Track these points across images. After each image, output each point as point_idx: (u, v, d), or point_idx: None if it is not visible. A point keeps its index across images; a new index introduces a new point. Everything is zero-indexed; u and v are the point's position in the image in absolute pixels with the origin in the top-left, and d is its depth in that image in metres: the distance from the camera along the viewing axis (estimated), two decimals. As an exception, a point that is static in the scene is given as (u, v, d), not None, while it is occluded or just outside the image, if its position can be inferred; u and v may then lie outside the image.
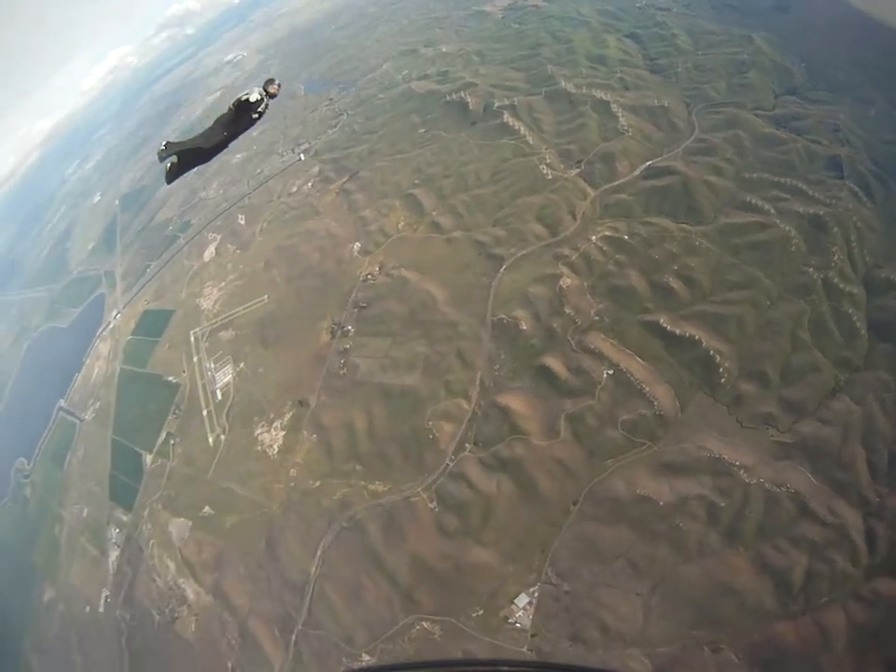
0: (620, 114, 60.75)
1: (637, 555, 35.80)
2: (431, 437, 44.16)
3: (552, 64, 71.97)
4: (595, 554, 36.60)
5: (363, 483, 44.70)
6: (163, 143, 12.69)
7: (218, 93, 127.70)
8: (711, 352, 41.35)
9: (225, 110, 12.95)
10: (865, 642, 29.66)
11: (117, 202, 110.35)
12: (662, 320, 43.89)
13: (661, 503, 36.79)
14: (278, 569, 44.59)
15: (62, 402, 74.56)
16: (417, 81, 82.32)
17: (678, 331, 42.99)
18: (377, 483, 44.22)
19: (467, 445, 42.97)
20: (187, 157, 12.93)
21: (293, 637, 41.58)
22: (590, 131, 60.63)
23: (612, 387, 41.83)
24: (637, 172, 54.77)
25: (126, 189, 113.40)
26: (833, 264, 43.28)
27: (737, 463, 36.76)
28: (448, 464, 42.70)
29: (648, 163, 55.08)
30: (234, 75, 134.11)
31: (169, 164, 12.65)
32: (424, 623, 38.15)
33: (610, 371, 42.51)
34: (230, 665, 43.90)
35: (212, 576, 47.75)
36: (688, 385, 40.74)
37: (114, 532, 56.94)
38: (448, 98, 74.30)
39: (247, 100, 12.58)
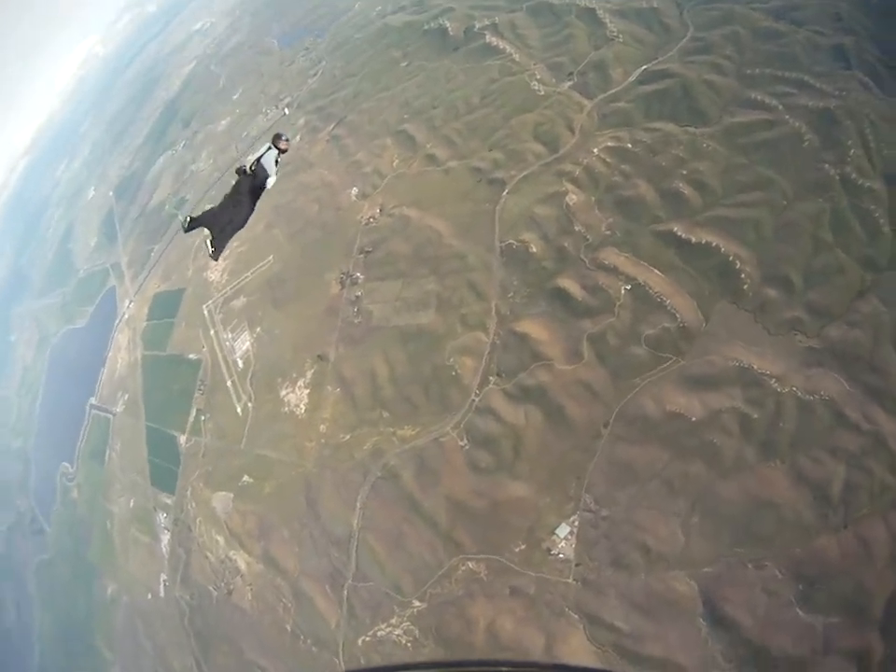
0: (607, 20, 60.11)
1: (672, 474, 37.11)
2: (454, 374, 46.29)
3: None
4: (630, 477, 38.08)
5: (391, 429, 47.53)
6: (186, 217, 13.65)
7: (193, 63, 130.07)
8: (731, 257, 41.67)
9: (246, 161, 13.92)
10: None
11: (110, 193, 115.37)
12: (676, 228, 44.31)
13: (692, 419, 37.83)
14: (321, 527, 48.45)
15: (92, 400, 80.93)
16: (392, 15, 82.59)
17: (693, 239, 43.42)
18: (406, 427, 46.94)
19: (490, 378, 44.84)
20: (221, 229, 13.75)
21: (345, 593, 45.51)
22: (578, 41, 60.31)
23: (631, 303, 42.80)
24: (632, 78, 54.52)
25: (117, 179, 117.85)
26: (848, 159, 42.23)
27: (767, 372, 37.25)
28: (474, 399, 44.79)
29: (643, 68, 54.61)
30: (205, 43, 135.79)
31: (209, 242, 13.44)
32: (469, 563, 40.89)
33: (628, 287, 43.37)
34: (288, 627, 48.41)
35: (259, 544, 52.12)
36: (709, 295, 41.26)
37: (161, 517, 62.66)
38: (426, 27, 74.65)
39: (250, 168, 13.69)
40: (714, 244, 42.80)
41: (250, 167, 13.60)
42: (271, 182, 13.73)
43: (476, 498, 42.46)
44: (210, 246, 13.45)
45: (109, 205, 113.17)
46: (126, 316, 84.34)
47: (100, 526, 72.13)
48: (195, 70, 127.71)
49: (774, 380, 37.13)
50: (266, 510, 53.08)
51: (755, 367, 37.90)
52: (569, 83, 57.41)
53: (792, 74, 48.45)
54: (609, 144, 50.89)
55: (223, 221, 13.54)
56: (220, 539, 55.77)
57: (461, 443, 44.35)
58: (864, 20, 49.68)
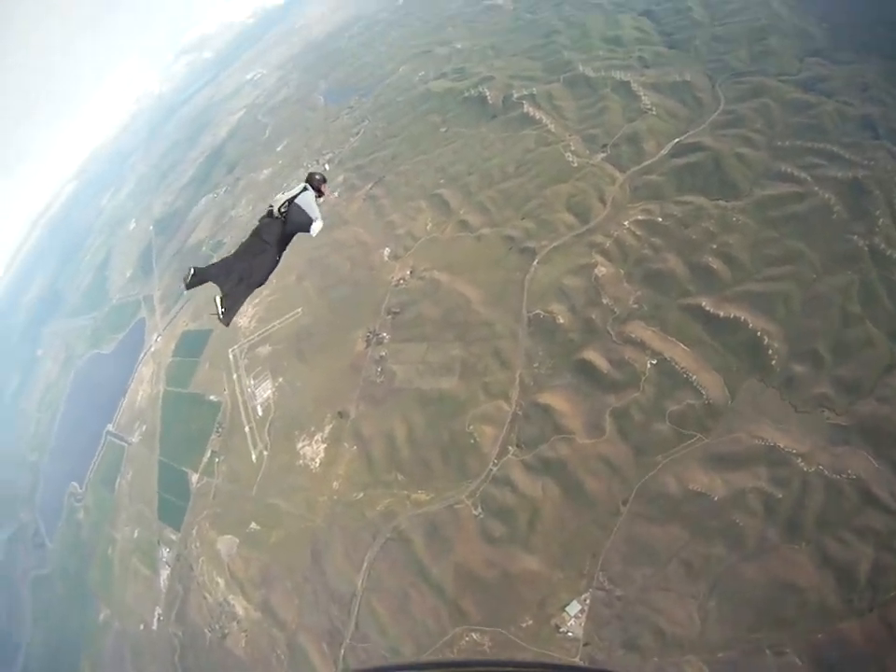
0: (641, 93, 62.27)
1: (691, 555, 36.49)
2: (472, 441, 46.32)
3: (567, 50, 74.37)
4: (647, 556, 37.47)
5: (405, 492, 47.31)
6: (189, 269, 10.34)
7: (242, 112, 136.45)
8: (758, 333, 41.77)
9: (280, 202, 11.44)
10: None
11: (151, 227, 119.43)
12: (704, 303, 44.61)
13: (715, 498, 37.36)
14: (324, 583, 47.84)
15: (109, 427, 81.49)
16: (434, 81, 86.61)
17: (721, 314, 43.59)
18: (420, 491, 46.74)
19: (509, 448, 44.84)
20: (235, 284, 10.78)
21: (342, 651, 44.49)
22: (612, 113, 62.31)
23: (657, 378, 42.80)
24: (664, 150, 55.98)
25: (159, 214, 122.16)
26: (877, 229, 43.00)
27: (794, 450, 36.96)
28: (491, 469, 44.65)
29: (675, 141, 56.18)
30: (255, 93, 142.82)
31: (219, 300, 10.29)
32: (473, 634, 40.02)
33: (654, 361, 43.49)
34: None
35: (259, 591, 51.60)
36: (736, 371, 41.22)
37: (164, 551, 62.19)
38: (466, 94, 77.83)
39: (279, 210, 11.35)
40: (742, 318, 43.06)
41: (279, 209, 11.33)
42: (317, 227, 11.33)
43: (487, 569, 41.90)
44: (220, 306, 10.37)
45: (149, 239, 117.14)
46: (152, 349, 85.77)
47: (101, 551, 71.83)
48: (244, 118, 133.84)
49: (800, 458, 36.87)
50: (271, 559, 52.64)
51: (781, 445, 37.69)
52: (603, 155, 59.13)
53: (821, 145, 49.80)
54: (640, 217, 51.97)
55: (238, 275, 10.74)
56: (221, 581, 55.24)
57: (475, 512, 44.04)
58: (892, 89, 51.34)
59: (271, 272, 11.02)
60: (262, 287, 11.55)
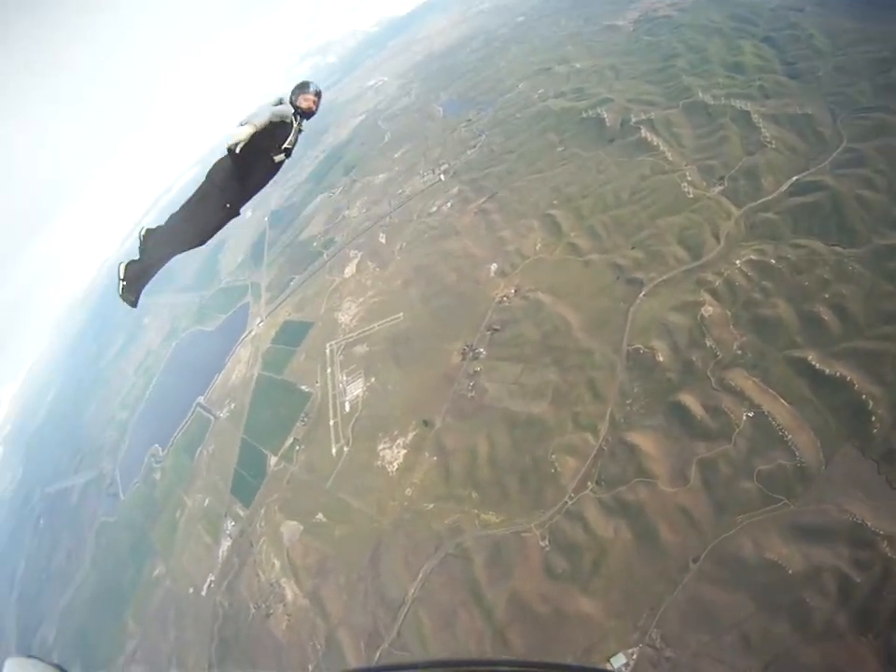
0: (761, 125, 62.26)
1: (752, 628, 35.53)
2: (553, 471, 47.46)
3: (687, 75, 75.78)
4: (707, 621, 36.80)
5: (476, 511, 49.00)
6: (142, 229, 8.88)
7: (363, 116, 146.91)
8: (864, 396, 40.17)
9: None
10: None
11: (266, 218, 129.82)
12: (811, 357, 43.45)
13: (790, 571, 36.26)
14: (377, 585, 50.27)
15: (201, 399, 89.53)
16: (553, 99, 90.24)
17: (827, 370, 42.28)
18: (491, 513, 48.29)
19: (588, 484, 45.56)
20: (151, 252, 8.76)
21: (377, 655, 46.50)
22: (731, 144, 62.59)
23: (751, 432, 42.10)
24: (783, 188, 55.45)
25: (275, 206, 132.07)
26: None
27: (882, 532, 35.23)
28: (566, 502, 45.55)
29: (794, 178, 55.62)
30: (376, 99, 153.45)
31: (122, 268, 8.54)
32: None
33: (751, 414, 42.79)
34: (310, 668, 50.27)
35: (312, 581, 54.85)
36: (835, 435, 39.83)
37: (229, 524, 67.44)
38: (584, 115, 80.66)
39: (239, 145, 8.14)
40: (848, 378, 41.63)
41: (236, 144, 8.16)
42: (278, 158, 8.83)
43: (541, 603, 42.68)
44: (121, 275, 8.54)
45: (263, 229, 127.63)
46: (253, 334, 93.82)
47: (170, 512, 78.80)
48: (364, 122, 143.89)
49: (886, 542, 35.02)
50: (331, 551, 56.00)
51: (869, 524, 36.03)
52: (720, 188, 59.31)
53: (945, 190, 47.64)
54: (753, 257, 51.64)
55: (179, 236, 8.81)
56: (277, 563, 59.19)
57: (542, 543, 45.09)
58: None
59: (214, 227, 8.87)
60: (199, 245, 9.08)
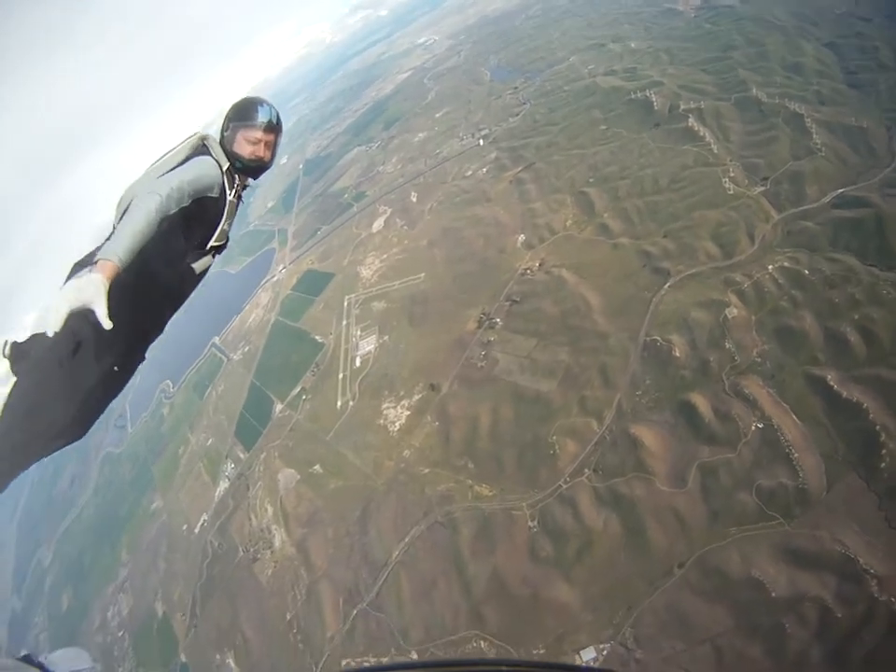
0: (814, 130, 61.28)
1: (726, 645, 36.10)
2: (552, 452, 48.82)
3: (743, 69, 74.75)
4: (683, 630, 37.55)
5: (471, 482, 50.96)
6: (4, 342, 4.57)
7: (409, 73, 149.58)
8: (878, 426, 39.76)
9: None
10: None
11: (301, 165, 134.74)
12: (830, 377, 43.12)
13: (773, 594, 36.53)
14: (364, 543, 53.14)
15: (216, 340, 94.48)
16: (603, 76, 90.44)
17: (845, 394, 41.77)
18: (484, 485, 50.19)
19: (585, 470, 46.69)
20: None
21: (354, 612, 49.72)
22: (780, 145, 61.83)
23: (758, 444, 42.26)
24: (826, 198, 54.61)
25: (311, 155, 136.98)
26: None
27: (871, 570, 35.08)
28: (561, 485, 46.90)
29: (840, 190, 54.77)
30: (425, 57, 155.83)
31: None
32: (482, 642, 42.74)
33: (760, 425, 42.92)
34: (288, 616, 54.06)
35: (302, 530, 58.25)
36: (842, 461, 39.76)
37: (229, 466, 71.49)
38: (633, 96, 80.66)
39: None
40: (865, 405, 41.25)
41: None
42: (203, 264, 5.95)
43: (521, 584, 44.46)
44: None
45: (296, 176, 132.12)
46: (275, 279, 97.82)
47: (173, 448, 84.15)
48: (409, 79, 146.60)
49: (875, 581, 35.00)
50: (323, 503, 59.32)
51: (860, 560, 36.04)
52: (762, 188, 59.03)
53: None
54: (786, 264, 51.39)
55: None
56: (270, 509, 62.98)
57: (530, 524, 46.75)
58: None
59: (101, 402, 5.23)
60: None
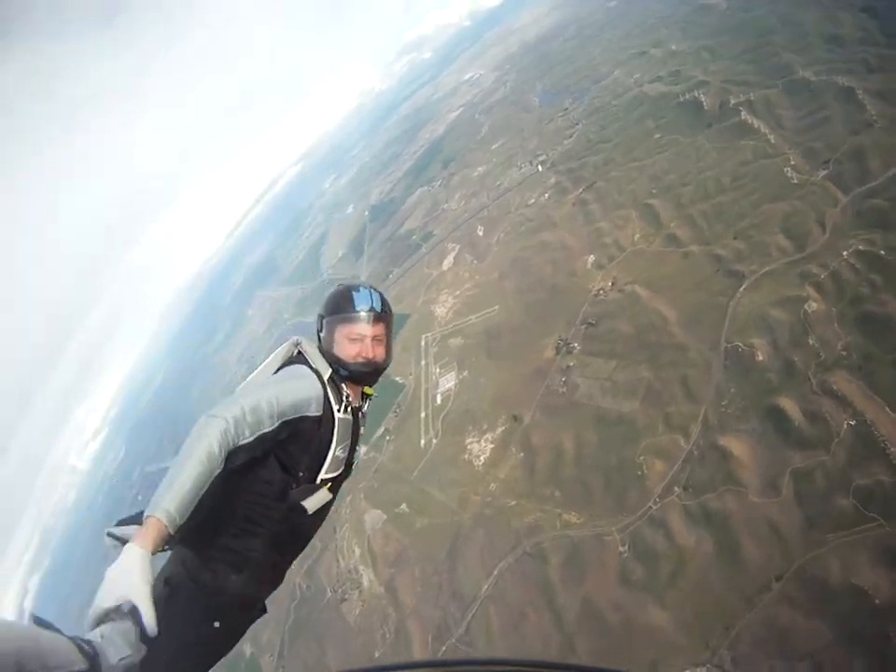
0: (866, 101, 59.43)
1: (828, 660, 34.53)
2: (640, 473, 48.75)
3: (785, 52, 73.43)
4: (782, 647, 36.17)
5: (558, 510, 51.41)
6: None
7: (460, 110, 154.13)
8: None
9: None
10: None
11: (366, 212, 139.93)
12: None
13: (876, 601, 34.74)
14: (452, 579, 54.16)
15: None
16: (649, 84, 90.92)
17: None
18: (572, 512, 50.53)
19: (675, 489, 46.41)
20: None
21: (443, 648, 50.15)
22: (835, 123, 60.32)
23: (852, 442, 40.77)
24: (891, 171, 52.57)
25: (375, 201, 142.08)
26: None
27: None
28: (651, 507, 46.73)
29: None
30: (472, 92, 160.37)
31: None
32: None
33: (853, 422, 41.44)
34: (376, 654, 54.69)
35: (389, 570, 59.66)
36: None
37: None
38: (681, 99, 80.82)
39: None
40: None
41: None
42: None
43: (613, 611, 44.23)
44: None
45: (363, 224, 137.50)
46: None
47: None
48: (461, 116, 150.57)
49: None
50: (410, 542, 60.76)
51: None
52: (824, 172, 57.60)
53: None
54: (861, 247, 49.73)
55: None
56: (357, 550, 64.80)
57: (621, 549, 46.61)
58: None
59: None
60: None
